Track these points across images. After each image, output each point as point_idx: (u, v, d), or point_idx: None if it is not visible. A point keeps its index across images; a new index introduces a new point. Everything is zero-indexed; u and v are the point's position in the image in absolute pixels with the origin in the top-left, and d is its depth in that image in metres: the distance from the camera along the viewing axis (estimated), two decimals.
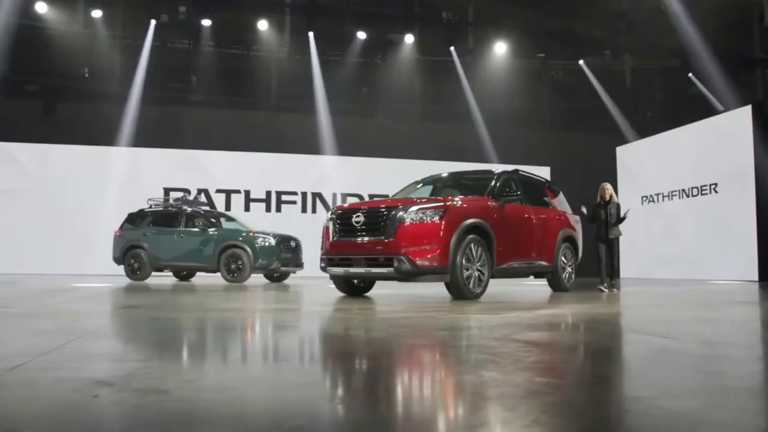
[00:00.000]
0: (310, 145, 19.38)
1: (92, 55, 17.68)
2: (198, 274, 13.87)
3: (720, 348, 3.19)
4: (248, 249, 12.16)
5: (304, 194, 19.62)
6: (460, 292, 6.65)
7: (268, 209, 19.21)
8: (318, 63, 19.39)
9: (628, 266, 17.25)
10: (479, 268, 6.85)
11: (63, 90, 17.73)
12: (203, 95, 19.48)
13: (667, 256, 15.76)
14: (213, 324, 4.29)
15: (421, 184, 8.77)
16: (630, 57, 20.41)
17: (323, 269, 7.06)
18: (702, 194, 15.03)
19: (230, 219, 13.80)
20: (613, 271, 8.87)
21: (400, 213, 6.56)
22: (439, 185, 8.67)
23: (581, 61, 19.88)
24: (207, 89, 19.48)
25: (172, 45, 19.14)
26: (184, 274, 13.94)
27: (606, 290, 8.61)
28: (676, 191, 15.75)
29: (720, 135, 14.47)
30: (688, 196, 15.46)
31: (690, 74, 17.48)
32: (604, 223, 8.89)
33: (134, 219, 13.37)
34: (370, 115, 20.67)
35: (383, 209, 6.74)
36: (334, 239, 6.98)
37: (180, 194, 18.57)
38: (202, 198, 18.03)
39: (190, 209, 13.18)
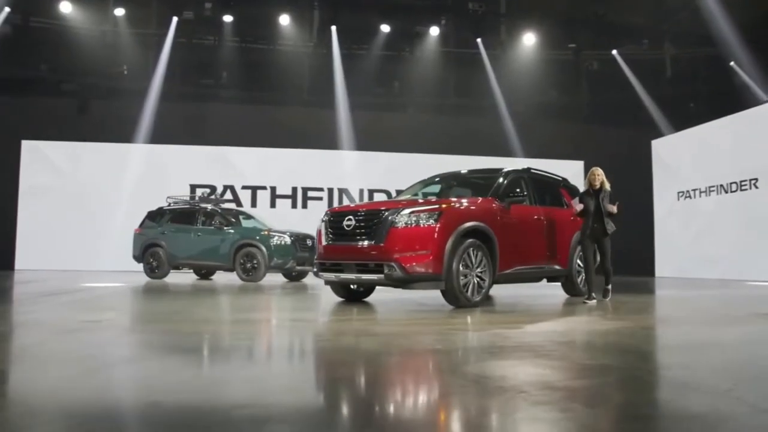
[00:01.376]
0: (335, 141, 19.17)
1: (119, 53, 17.83)
2: (217, 272, 13.83)
3: None
4: (263, 248, 12.02)
5: (330, 190, 19.42)
6: (457, 300, 6.29)
7: (294, 205, 19.09)
8: (341, 57, 19.12)
9: (664, 265, 16.52)
10: (479, 274, 6.47)
11: (94, 88, 17.92)
12: (230, 91, 19.47)
13: (705, 255, 14.96)
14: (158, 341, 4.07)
15: (428, 183, 8.43)
16: (671, 46, 19.49)
17: (316, 274, 6.80)
18: (741, 190, 14.18)
19: (249, 217, 13.68)
20: (608, 275, 7.47)
21: (392, 216, 6.23)
22: (447, 184, 8.30)
23: (615, 51, 19.05)
24: (232, 85, 19.48)
25: (197, 41, 19.19)
26: (204, 272, 13.93)
27: (590, 302, 7.00)
28: (714, 187, 14.91)
29: (761, 127, 13.59)
30: (726, 192, 14.61)
31: (732, 63, 16.53)
32: (594, 216, 7.18)
33: (153, 217, 13.42)
34: (396, 109, 20.32)
35: (374, 212, 6.41)
36: (326, 243, 6.70)
37: (206, 191, 18.74)
38: (223, 195, 18.12)
39: (209, 207, 13.11)
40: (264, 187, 18.95)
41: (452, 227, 6.26)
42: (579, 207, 7.45)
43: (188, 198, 13.61)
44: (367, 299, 7.34)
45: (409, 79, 20.28)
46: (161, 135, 17.82)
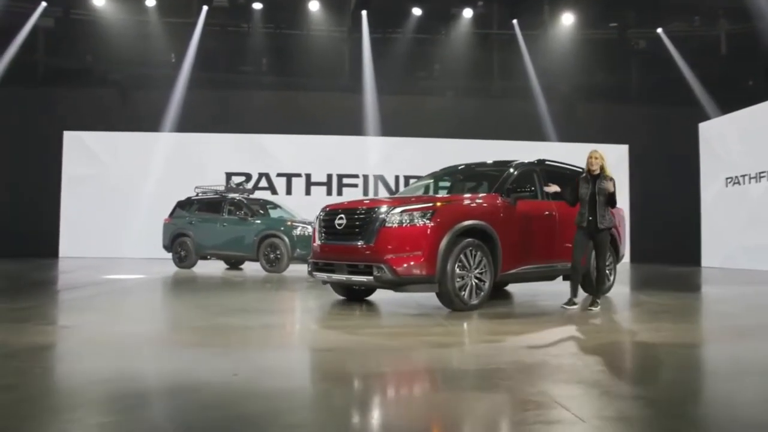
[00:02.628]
0: (370, 127, 18.96)
1: (154, 42, 18.04)
2: (245, 261, 13.91)
3: None
4: (286, 239, 11.98)
5: (365, 177, 19.25)
6: (452, 303, 6.04)
7: (329, 193, 19.01)
8: (372, 42, 18.81)
9: (710, 255, 15.67)
10: (478, 275, 6.19)
11: (133, 78, 18.20)
12: (263, 78, 19.45)
13: (755, 245, 14.06)
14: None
15: (438, 176, 8.15)
16: (725, 22, 18.31)
17: (310, 274, 6.65)
18: None
19: (276, 207, 13.67)
20: (600, 281, 6.66)
21: (382, 215, 6.01)
22: (457, 178, 8.01)
23: (660, 30, 18.02)
24: (265, 72, 19.47)
25: (229, 28, 19.24)
26: (233, 262, 14.03)
27: (570, 308, 6.26)
28: (764, 172, 13.94)
29: None
30: None
31: None
32: (588, 207, 6.28)
33: (182, 207, 13.58)
34: (431, 93, 19.85)
35: (365, 211, 6.21)
36: (319, 242, 6.55)
37: (242, 179, 18.88)
38: (257, 183, 18.24)
39: (236, 197, 13.15)
40: (299, 175, 18.94)
41: (447, 226, 5.99)
42: (553, 188, 6.63)
43: (217, 188, 13.64)
44: (369, 298, 7.16)
45: (443, 63, 19.87)
46: (197, 123, 17.97)
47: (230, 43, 19.15)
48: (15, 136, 16.10)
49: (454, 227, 6.02)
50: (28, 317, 5.38)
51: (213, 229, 12.79)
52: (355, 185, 19.19)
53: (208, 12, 18.13)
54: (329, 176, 19.09)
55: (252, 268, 13.19)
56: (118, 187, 17.27)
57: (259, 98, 18.62)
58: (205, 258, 13.11)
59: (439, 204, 6.14)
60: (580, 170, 8.43)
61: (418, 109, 19.15)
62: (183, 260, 13.00)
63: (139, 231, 16.86)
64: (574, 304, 6.27)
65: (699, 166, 16.43)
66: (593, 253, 7.69)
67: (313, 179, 19.02)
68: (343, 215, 6.34)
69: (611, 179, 6.32)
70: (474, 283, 6.16)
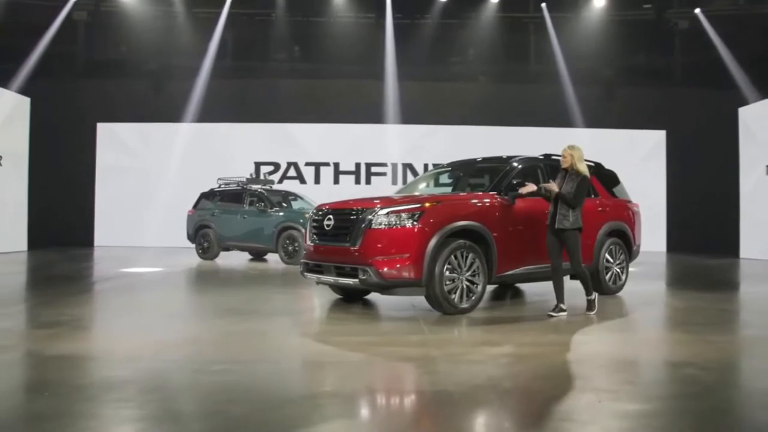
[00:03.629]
0: (398, 115, 18.73)
1: (180, 32, 18.21)
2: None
3: None
4: (303, 231, 11.96)
5: (394, 165, 19.10)
6: (441, 306, 5.90)
7: (357, 181, 18.95)
8: (397, 28, 18.51)
9: (750, 246, 14.95)
10: (469, 278, 6.02)
11: (165, 69, 18.40)
12: (292, 65, 19.41)
13: None
14: None
15: (440, 173, 7.96)
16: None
17: (302, 274, 6.59)
18: None
19: (297, 198, 13.67)
20: (584, 281, 6.10)
21: (368, 216, 5.89)
22: (460, 174, 7.78)
23: (698, 10, 17.14)
24: (293, 60, 19.44)
25: (255, 18, 19.20)
26: (256, 253, 14.13)
27: (557, 315, 5.87)
28: None
29: None
30: None
31: None
32: (553, 204, 5.95)
33: (205, 198, 13.74)
34: (459, 79, 19.41)
35: (351, 212, 6.10)
36: (310, 242, 6.49)
37: (269, 168, 18.98)
38: (286, 173, 18.35)
39: (258, 189, 13.19)
40: (327, 164, 18.91)
41: (435, 228, 5.83)
42: (528, 188, 6.01)
43: (239, 179, 13.70)
44: (367, 297, 7.06)
45: (471, 49, 19.45)
46: (226, 113, 18.07)
47: (256, 31, 19.13)
48: (50, 128, 16.50)
49: (443, 229, 5.86)
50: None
51: (234, 220, 12.90)
52: (384, 174, 19.07)
53: (234, 1, 18.16)
54: (357, 165, 19.00)
55: (274, 260, 13.27)
56: (150, 178, 17.59)
57: (287, 87, 18.60)
58: (227, 249, 13.24)
59: (427, 204, 5.98)
60: (591, 164, 8.16)
61: (446, 96, 18.81)
62: (206, 252, 13.17)
63: (171, 221, 17.16)
64: (562, 310, 5.96)
65: (738, 152, 15.63)
66: (602, 250, 7.49)
67: (342, 168, 18.96)
68: (331, 216, 6.25)
69: (582, 176, 5.94)
70: (465, 286, 6.00)
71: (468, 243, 6.00)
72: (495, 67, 19.32)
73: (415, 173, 19.00)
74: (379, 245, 5.79)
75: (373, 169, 19.04)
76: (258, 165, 18.53)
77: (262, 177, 14.11)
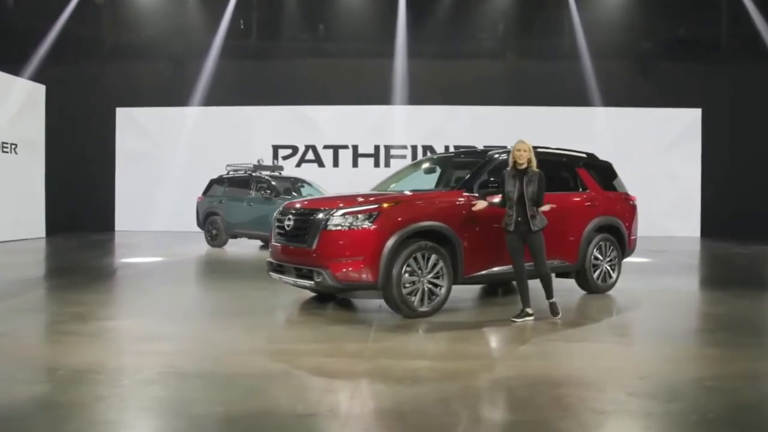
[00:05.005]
0: (419, 96, 18.31)
1: (192, 15, 18.16)
2: None
3: None
4: None
5: (414, 148, 18.76)
6: (399, 309, 5.69)
7: (376, 164, 18.70)
8: (414, 6, 18.00)
9: None
10: (431, 280, 5.78)
11: (180, 52, 18.34)
12: (310, 45, 19.05)
13: None
14: None
15: (424, 166, 7.66)
16: None
17: (267, 273, 6.46)
18: None
19: (305, 184, 13.54)
20: (546, 284, 5.75)
21: (324, 217, 5.70)
22: (445, 168, 7.46)
23: None
24: (311, 40, 19.11)
25: None
26: (266, 241, 14.11)
27: (522, 320, 5.55)
28: None
29: None
30: None
31: None
32: (517, 207, 5.55)
33: (214, 185, 13.77)
34: (488, 56, 18.77)
35: (308, 212, 5.93)
36: (273, 241, 6.35)
37: (288, 151, 18.87)
38: (305, 156, 18.28)
39: (265, 175, 13.12)
40: (346, 146, 18.73)
41: (393, 229, 5.60)
42: (480, 205, 5.76)
43: (247, 165, 13.64)
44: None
45: (493, 24, 18.82)
46: (245, 96, 18.01)
47: (272, 12, 18.83)
48: (68, 114, 16.75)
49: (401, 230, 5.62)
50: None
51: (240, 208, 12.88)
52: (404, 156, 18.75)
53: None
54: (377, 147, 18.75)
55: None
56: (170, 162, 17.69)
57: (305, 68, 18.27)
58: (234, 237, 13.26)
59: (385, 205, 5.74)
60: (583, 156, 7.75)
61: (468, 75, 18.26)
62: (214, 239, 13.22)
63: (191, 205, 17.33)
64: (528, 315, 5.65)
65: None
66: (589, 247, 7.11)
67: (361, 151, 18.75)
68: (291, 216, 6.10)
69: (540, 173, 5.57)
70: (427, 289, 5.77)
71: (430, 244, 5.76)
72: (519, 43, 18.73)
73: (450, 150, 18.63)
74: (335, 247, 5.61)
75: (393, 152, 18.75)
76: (276, 148, 18.49)
77: (271, 163, 13.96)
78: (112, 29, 17.89)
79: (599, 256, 7.25)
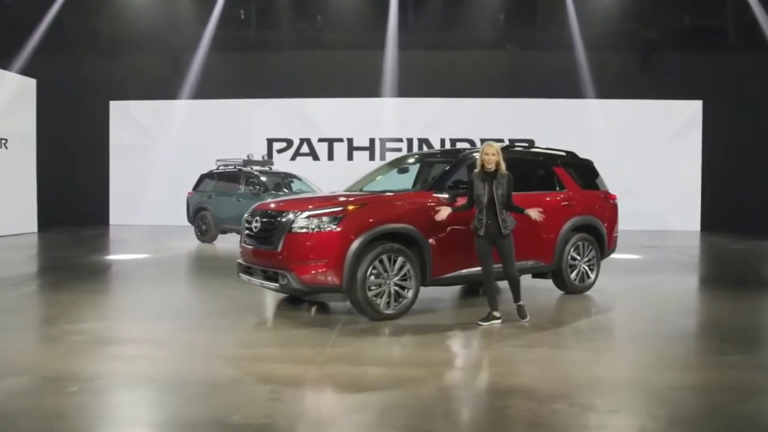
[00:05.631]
0: (415, 88, 18.16)
1: (183, 9, 18.08)
2: None
3: None
4: None
5: (409, 141, 18.70)
6: (365, 312, 5.65)
7: (372, 157, 18.62)
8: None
9: None
10: (398, 282, 5.73)
11: (178, 44, 18.26)
12: (304, 37, 18.94)
13: None
14: None
15: (398, 166, 7.56)
16: None
17: (238, 274, 6.43)
18: None
19: (294, 179, 13.49)
20: (514, 287, 5.66)
21: (288, 220, 5.66)
22: (423, 167, 7.35)
23: None
24: (304, 30, 18.97)
25: None
26: None
27: (488, 323, 5.50)
28: None
29: None
30: None
31: None
32: (487, 210, 5.46)
33: (204, 180, 13.75)
34: (486, 48, 18.56)
35: (274, 214, 5.88)
36: (243, 243, 6.31)
37: (282, 144, 18.78)
38: (299, 149, 18.25)
39: (254, 171, 13.08)
40: (341, 140, 18.67)
41: (358, 231, 5.55)
42: (443, 213, 5.61)
43: (236, 161, 13.61)
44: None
45: (492, 14, 18.64)
46: (237, 89, 17.93)
47: (266, 2, 18.72)
48: (61, 107, 16.71)
49: (366, 232, 5.56)
50: None
51: (229, 203, 12.85)
52: (399, 149, 18.67)
53: None
54: (372, 140, 18.69)
55: None
56: (163, 156, 17.67)
57: (300, 60, 18.14)
58: (224, 232, 13.25)
59: (350, 207, 5.69)
60: (561, 154, 7.65)
61: (465, 66, 18.07)
62: (204, 234, 13.22)
63: (184, 199, 17.32)
64: (495, 318, 5.60)
65: None
66: (566, 247, 7.03)
67: (356, 144, 18.69)
68: (258, 218, 6.05)
69: (508, 175, 5.48)
70: (394, 291, 5.72)
71: (396, 246, 5.71)
72: (517, 34, 18.61)
73: (431, 148, 18.55)
74: (299, 250, 5.57)
75: (388, 145, 18.67)
76: (271, 142, 18.46)
77: (261, 158, 13.92)
78: (105, 21, 17.79)
79: (576, 256, 7.17)
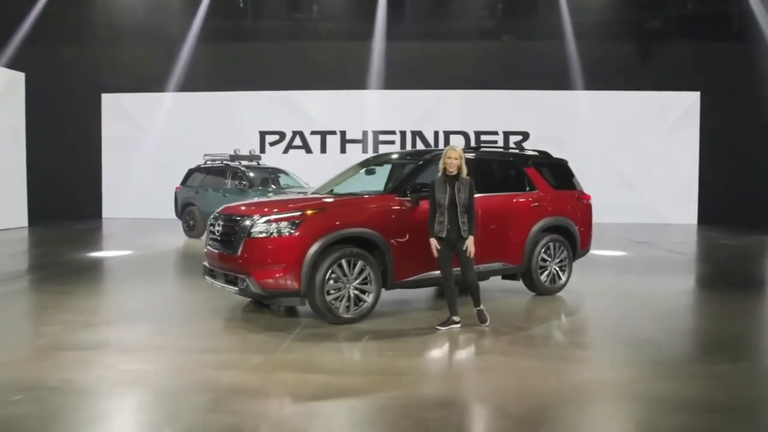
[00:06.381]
0: (409, 79, 18.04)
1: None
2: None
3: None
4: None
5: (403, 133, 18.64)
6: (324, 317, 5.66)
7: (364, 150, 18.55)
8: None
9: None
10: (358, 286, 5.74)
11: (169, 36, 18.14)
12: (296, 28, 18.79)
13: None
14: None
15: (368, 167, 7.48)
16: None
17: (204, 276, 6.43)
18: None
19: (281, 174, 13.47)
20: (474, 292, 5.60)
21: (247, 225, 5.66)
22: (394, 169, 7.28)
23: None
24: (297, 20, 18.84)
25: None
26: None
27: (448, 328, 5.48)
28: None
29: None
30: None
31: None
32: (448, 213, 5.42)
33: (192, 175, 13.76)
34: (482, 39, 18.37)
35: (234, 219, 5.89)
36: (207, 245, 6.32)
37: (275, 137, 18.71)
38: (292, 142, 18.25)
39: (241, 166, 13.06)
40: (333, 132, 18.63)
41: (316, 236, 5.55)
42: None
43: (224, 155, 13.60)
44: None
45: (483, 6, 18.49)
46: (229, 81, 17.86)
47: None
48: (51, 101, 16.64)
49: (325, 237, 5.56)
50: None
51: (216, 198, 12.78)
52: (392, 142, 18.66)
53: None
54: (364, 133, 18.62)
55: None
56: (156, 149, 17.67)
57: (292, 51, 18.04)
58: None
59: (309, 212, 5.68)
60: (533, 154, 7.61)
61: (460, 57, 17.87)
62: (192, 229, 13.25)
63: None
64: (455, 323, 5.59)
65: None
66: (536, 248, 6.99)
67: (349, 136, 18.64)
68: (221, 221, 6.06)
69: (470, 180, 5.46)
70: (354, 295, 5.73)
71: (356, 250, 5.71)
72: (513, 25, 18.50)
73: (424, 141, 18.50)
74: (257, 254, 5.58)
75: (381, 137, 18.63)
76: (263, 134, 18.45)
77: (248, 153, 13.89)
78: (95, 12, 17.61)
79: (547, 258, 7.13)
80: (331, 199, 6.18)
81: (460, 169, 5.45)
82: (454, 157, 5.45)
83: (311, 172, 13.92)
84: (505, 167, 7.14)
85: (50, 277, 8.37)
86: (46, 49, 16.71)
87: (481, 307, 5.72)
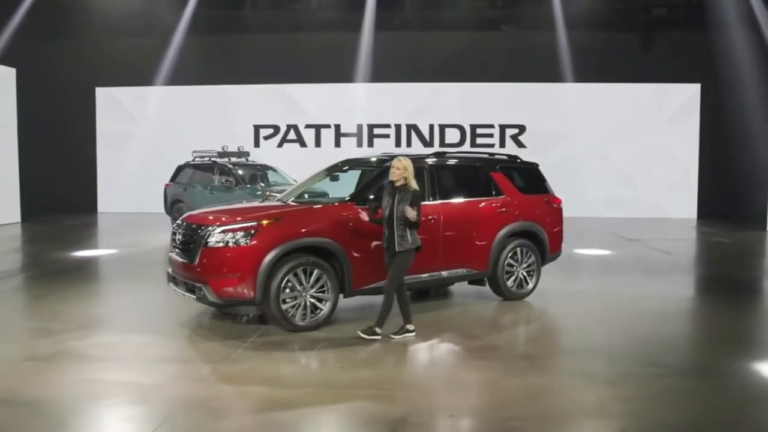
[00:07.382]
0: (404, 72, 17.96)
1: None
2: None
3: None
4: None
5: (398, 127, 18.61)
6: (279, 324, 5.73)
7: (359, 144, 18.61)
8: None
9: None
10: (314, 294, 5.80)
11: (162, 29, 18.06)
12: (286, 18, 18.67)
13: None
14: None
15: (330, 174, 7.44)
16: None
17: (168, 283, 6.50)
18: None
19: (273, 171, 13.51)
20: (385, 306, 5.52)
21: (204, 234, 5.72)
22: (363, 174, 7.28)
23: None
24: (288, 12, 18.73)
25: None
26: None
27: (401, 336, 5.53)
28: None
29: None
30: None
31: None
32: (387, 223, 5.46)
33: (181, 172, 13.84)
34: (479, 30, 18.21)
35: (192, 228, 5.94)
36: (170, 252, 6.40)
37: (269, 131, 18.69)
38: (286, 136, 18.28)
39: (228, 164, 13.11)
40: (328, 126, 18.63)
41: (271, 246, 5.59)
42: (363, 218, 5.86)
43: (212, 152, 13.65)
44: None
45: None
46: (222, 74, 17.81)
47: None
48: (44, 95, 16.72)
49: (280, 246, 5.60)
50: None
51: (203, 195, 12.89)
52: (387, 135, 18.62)
53: None
54: (359, 127, 18.61)
55: None
56: (151, 142, 17.74)
57: (285, 44, 17.97)
58: None
59: (265, 222, 5.72)
60: (504, 157, 7.61)
61: (456, 49, 17.72)
62: None
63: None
64: (409, 331, 5.62)
65: None
66: (502, 253, 7.00)
67: (343, 130, 18.64)
68: (182, 230, 6.12)
69: (413, 191, 5.40)
70: (310, 303, 5.79)
71: (312, 259, 5.76)
72: (511, 16, 18.32)
73: (419, 134, 18.47)
74: (214, 263, 5.63)
75: (376, 131, 18.62)
76: (257, 128, 18.48)
77: (236, 149, 13.94)
78: (87, 5, 17.55)
79: (513, 263, 7.15)
80: (290, 208, 6.21)
81: (406, 180, 5.46)
82: (397, 167, 5.44)
83: (306, 167, 13.88)
84: (470, 172, 7.13)
85: (33, 278, 8.48)
86: (37, 44, 16.74)
87: (378, 330, 5.54)
